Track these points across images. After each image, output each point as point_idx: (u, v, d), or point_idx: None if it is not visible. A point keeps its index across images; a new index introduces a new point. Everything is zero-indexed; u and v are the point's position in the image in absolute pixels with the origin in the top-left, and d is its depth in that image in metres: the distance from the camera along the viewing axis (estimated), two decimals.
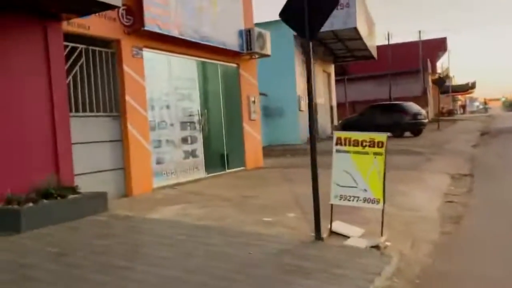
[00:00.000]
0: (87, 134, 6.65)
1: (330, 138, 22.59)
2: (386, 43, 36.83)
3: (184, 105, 8.86)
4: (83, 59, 6.71)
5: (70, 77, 6.46)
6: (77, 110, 6.53)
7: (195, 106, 9.14)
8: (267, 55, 10.80)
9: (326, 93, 23.31)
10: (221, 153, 9.97)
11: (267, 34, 10.65)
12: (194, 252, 4.01)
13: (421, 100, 34.32)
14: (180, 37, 8.13)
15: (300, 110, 16.79)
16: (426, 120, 20.41)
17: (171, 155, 8.39)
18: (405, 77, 37.21)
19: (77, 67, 6.62)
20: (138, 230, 5.04)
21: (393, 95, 36.88)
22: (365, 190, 4.55)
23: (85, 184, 5.93)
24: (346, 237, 4.63)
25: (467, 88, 52.57)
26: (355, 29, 16.47)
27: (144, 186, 7.47)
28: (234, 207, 6.20)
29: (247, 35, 10.11)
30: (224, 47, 9.43)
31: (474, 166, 10.35)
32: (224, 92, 10.11)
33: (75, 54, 6.59)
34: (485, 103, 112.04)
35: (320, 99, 20.92)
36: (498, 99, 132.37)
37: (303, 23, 4.50)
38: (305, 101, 18.10)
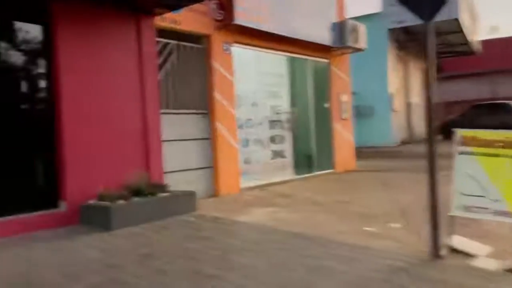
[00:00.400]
0: (176, 131, 6.53)
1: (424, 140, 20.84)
2: (490, 37, 33.50)
3: (272, 103, 8.49)
4: (174, 55, 6.61)
5: (161, 73, 6.38)
6: (167, 107, 6.44)
7: (284, 103, 8.73)
8: (361, 50, 10.05)
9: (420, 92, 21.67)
10: (309, 154, 9.44)
11: (362, 27, 9.92)
12: (290, 263, 3.54)
13: None
14: (271, 31, 7.76)
15: (393, 110, 15.66)
16: None
17: (259, 155, 8.06)
18: (510, 75, 33.50)
19: (168, 63, 6.54)
20: (228, 233, 4.71)
21: (496, 95, 33.47)
22: (497, 201, 3.74)
23: (174, 183, 5.77)
24: (468, 255, 3.87)
25: None
26: (457, 20, 14.92)
27: (231, 186, 7.21)
28: (328, 213, 5.65)
29: (340, 28, 9.48)
30: (315, 41, 8.91)
31: None
32: (314, 89, 9.57)
33: (167, 50, 6.50)
34: None
35: (416, 98, 19.47)
36: None
37: (421, 2, 3.83)
38: (399, 99, 16.92)
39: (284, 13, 8.03)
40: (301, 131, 9.14)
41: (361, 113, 15.44)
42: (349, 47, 9.74)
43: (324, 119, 9.79)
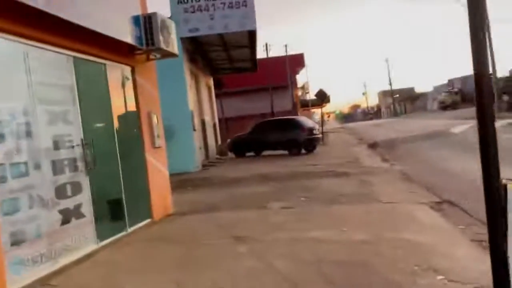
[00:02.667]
0: None
1: (219, 160, 19.91)
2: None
3: (56, 131, 5.18)
4: None
5: None
6: None
7: (76, 131, 5.51)
8: (174, 55, 7.63)
9: (209, 109, 20.62)
10: (117, 202, 6.40)
11: (172, 25, 7.52)
12: None
13: (292, 114, 34.21)
14: (43, 9, 4.56)
15: (194, 130, 13.74)
16: (320, 135, 19.27)
17: (38, 223, 4.66)
18: (274, 92, 36.87)
19: None
20: None
21: (264, 110, 36.22)
22: None
23: None
24: None
25: (322, 102, 55.49)
26: (252, 33, 14.21)
27: None
28: None
29: (146, 23, 6.83)
30: (114, 36, 6.05)
31: (429, 188, 8.78)
32: (116, 108, 6.61)
33: None
34: (328, 116, 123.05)
35: (207, 117, 18.15)
36: (334, 112, 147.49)
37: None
38: (197, 118, 15.13)
39: None
40: (103, 171, 6.02)
41: None
42: (159, 50, 7.20)
43: (132, 149, 6.93)
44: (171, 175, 10.04)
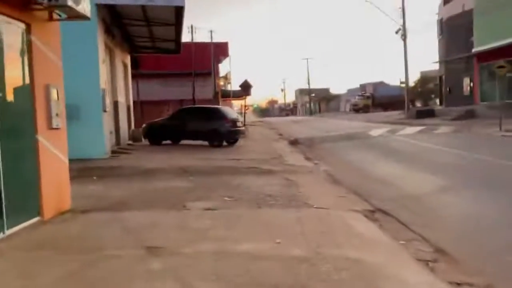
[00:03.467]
0: None
1: (131, 146, 18.15)
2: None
3: None
4: None
5: None
6: None
7: None
8: (85, 17, 6.22)
9: (124, 89, 18.79)
10: None
11: None
12: None
13: (213, 104, 33.13)
14: None
15: (104, 111, 12.10)
16: (243, 128, 18.48)
17: None
18: (196, 78, 35.44)
19: None
20: None
21: (183, 96, 34.64)
22: None
23: None
24: None
25: (242, 94, 54.98)
26: (179, 10, 12.88)
27: None
28: None
29: None
30: None
31: (358, 193, 8.37)
32: (1, 78, 5.10)
33: None
34: (247, 108, 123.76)
35: (121, 98, 16.41)
36: (252, 105, 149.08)
37: None
38: (110, 98, 13.46)
39: None
40: None
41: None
42: (65, 8, 5.78)
43: (19, 129, 5.46)
44: (74, 161, 8.59)
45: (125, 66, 19.00)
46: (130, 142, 18.23)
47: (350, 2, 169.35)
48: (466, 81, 28.81)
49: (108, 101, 12.31)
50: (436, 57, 34.23)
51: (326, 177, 10.44)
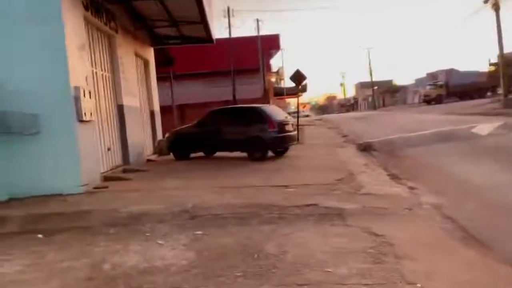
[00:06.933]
0: None
1: (151, 161, 14.12)
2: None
3: None
4: None
5: None
6: None
7: None
8: None
9: (144, 91, 14.92)
10: None
11: None
12: None
13: (262, 103, 28.87)
14: None
15: (81, 121, 8.04)
16: (295, 132, 13.86)
17: None
18: (243, 76, 31.34)
19: None
20: None
21: (228, 96, 30.67)
22: None
23: None
24: None
25: (298, 91, 50.19)
26: None
27: None
28: None
29: None
30: None
31: None
32: None
33: None
34: (304, 106, 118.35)
35: (132, 99, 12.46)
36: (309, 103, 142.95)
37: None
38: (105, 102, 9.48)
39: None
40: None
41: (9, 129, 7.22)
42: None
43: None
44: (27, 200, 4.69)
45: (145, 61, 15.13)
46: (153, 157, 14.31)
47: None
48: None
49: (88, 105, 8.25)
50: None
51: (444, 224, 5.62)
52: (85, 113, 8.03)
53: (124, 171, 10.32)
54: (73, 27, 8.17)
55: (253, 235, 5.32)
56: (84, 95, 8.11)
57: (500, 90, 42.71)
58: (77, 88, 7.90)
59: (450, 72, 61.27)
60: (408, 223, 5.74)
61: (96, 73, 9.97)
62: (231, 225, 5.81)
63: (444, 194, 7.25)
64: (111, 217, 6.41)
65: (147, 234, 5.71)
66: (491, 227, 5.44)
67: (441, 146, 12.52)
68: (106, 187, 8.25)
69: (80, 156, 7.83)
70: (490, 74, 52.59)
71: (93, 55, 9.82)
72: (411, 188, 7.89)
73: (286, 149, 13.11)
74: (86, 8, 9.08)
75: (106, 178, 9.09)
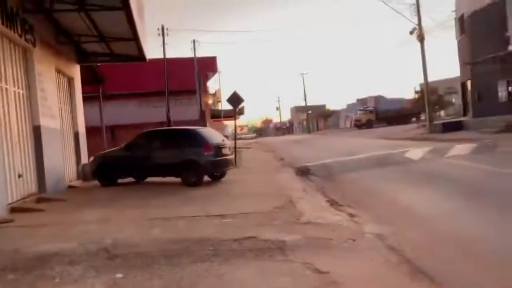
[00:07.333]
0: None
1: (72, 187, 12.62)
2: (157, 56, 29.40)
3: None
4: None
5: None
6: None
7: None
8: None
9: (67, 111, 13.65)
10: None
11: None
12: None
13: (199, 125, 28.13)
14: None
15: None
16: (233, 156, 13.27)
17: None
18: (179, 97, 30.48)
19: None
20: None
21: (164, 118, 29.58)
22: None
23: None
24: None
25: (236, 108, 49.94)
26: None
27: None
28: None
29: None
30: None
31: None
32: None
33: None
34: (241, 129, 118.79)
35: (52, 120, 11.24)
36: (247, 125, 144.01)
37: None
38: (19, 122, 8.32)
39: None
40: None
41: None
42: None
43: None
44: None
45: (68, 79, 13.91)
46: (76, 183, 13.01)
47: (341, 15, 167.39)
48: (502, 85, 23.91)
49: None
50: (452, 60, 29.55)
51: (390, 256, 5.25)
52: None
53: (38, 200, 9.08)
54: None
55: (184, 277, 4.59)
56: None
57: (423, 116, 45.45)
58: None
59: (378, 99, 64.61)
60: (352, 257, 5.31)
61: (6, 89, 8.78)
62: (158, 266, 5.02)
63: (386, 222, 6.97)
64: (11, 259, 5.35)
65: (56, 280, 4.76)
66: (439, 259, 5.15)
67: (377, 170, 12.56)
68: (11, 220, 7.08)
69: None
70: (415, 101, 56.16)
71: (2, 69, 8.65)
72: (351, 215, 7.56)
73: (223, 174, 12.47)
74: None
75: (14, 210, 7.87)
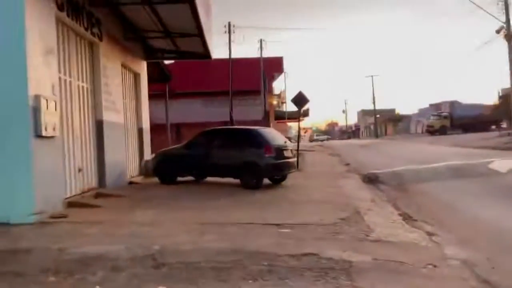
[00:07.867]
0: None
1: (133, 183, 12.41)
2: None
3: None
4: None
5: None
6: None
7: None
8: None
9: (131, 106, 13.73)
10: None
11: None
12: None
13: (262, 125, 27.70)
14: None
15: (39, 136, 6.76)
16: (295, 159, 12.56)
17: None
18: (243, 97, 30.31)
19: None
20: None
21: (227, 117, 29.53)
22: None
23: None
24: None
25: (300, 109, 49.00)
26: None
27: None
28: None
29: None
30: None
31: None
32: None
33: None
34: (305, 131, 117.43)
35: (115, 115, 11.23)
36: (311, 128, 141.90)
37: None
38: (79, 116, 8.23)
39: None
40: None
41: None
42: None
43: None
44: None
45: (134, 74, 13.99)
46: (138, 179, 13.00)
47: (416, 13, 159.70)
48: None
49: (51, 118, 7.00)
50: None
51: None
52: (45, 127, 6.78)
53: (96, 196, 8.99)
54: (39, 28, 7.00)
55: None
56: (47, 106, 6.88)
57: (505, 124, 41.44)
58: (37, 97, 6.67)
59: (454, 104, 60.36)
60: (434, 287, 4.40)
61: (70, 82, 8.77)
62: (204, 280, 4.46)
63: (473, 245, 5.92)
64: (55, 260, 5.06)
65: (96, 287, 4.37)
66: None
67: (457, 182, 11.20)
68: (65, 216, 6.92)
69: (35, 178, 6.53)
70: (495, 108, 51.69)
71: (67, 63, 8.64)
72: (429, 234, 6.55)
73: (284, 177, 11.80)
74: (60, 8, 7.95)
75: (70, 204, 7.76)
